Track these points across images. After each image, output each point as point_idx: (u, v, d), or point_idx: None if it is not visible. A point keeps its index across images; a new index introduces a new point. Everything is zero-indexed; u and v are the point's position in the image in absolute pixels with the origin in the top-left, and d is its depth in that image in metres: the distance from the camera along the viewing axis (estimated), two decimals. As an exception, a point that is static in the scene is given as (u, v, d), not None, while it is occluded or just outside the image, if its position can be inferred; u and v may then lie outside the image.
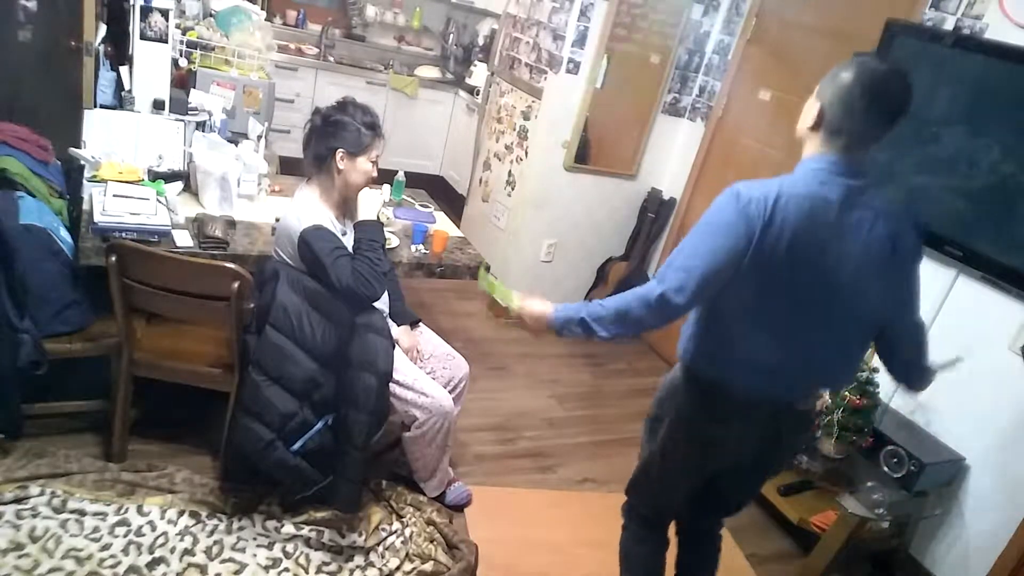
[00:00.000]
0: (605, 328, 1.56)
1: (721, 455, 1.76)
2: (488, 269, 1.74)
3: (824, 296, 1.52)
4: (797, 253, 1.47)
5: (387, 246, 2.49)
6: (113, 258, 2.01)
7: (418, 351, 2.48)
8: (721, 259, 1.47)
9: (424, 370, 2.43)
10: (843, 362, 1.67)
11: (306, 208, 2.13)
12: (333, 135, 2.12)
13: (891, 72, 1.45)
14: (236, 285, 2.05)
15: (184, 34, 3.35)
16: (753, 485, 1.96)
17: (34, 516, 2.06)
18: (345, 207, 2.25)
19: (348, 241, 2.16)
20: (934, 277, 2.59)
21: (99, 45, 3.03)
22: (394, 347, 2.27)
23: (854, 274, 1.51)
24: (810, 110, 1.53)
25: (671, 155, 4.07)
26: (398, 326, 2.46)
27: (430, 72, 5.54)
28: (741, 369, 1.61)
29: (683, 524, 2.05)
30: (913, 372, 1.71)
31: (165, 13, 2.94)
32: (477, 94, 5.01)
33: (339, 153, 2.11)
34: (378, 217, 2.22)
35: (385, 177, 3.36)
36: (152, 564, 2.01)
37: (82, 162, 2.55)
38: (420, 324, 2.57)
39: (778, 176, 1.51)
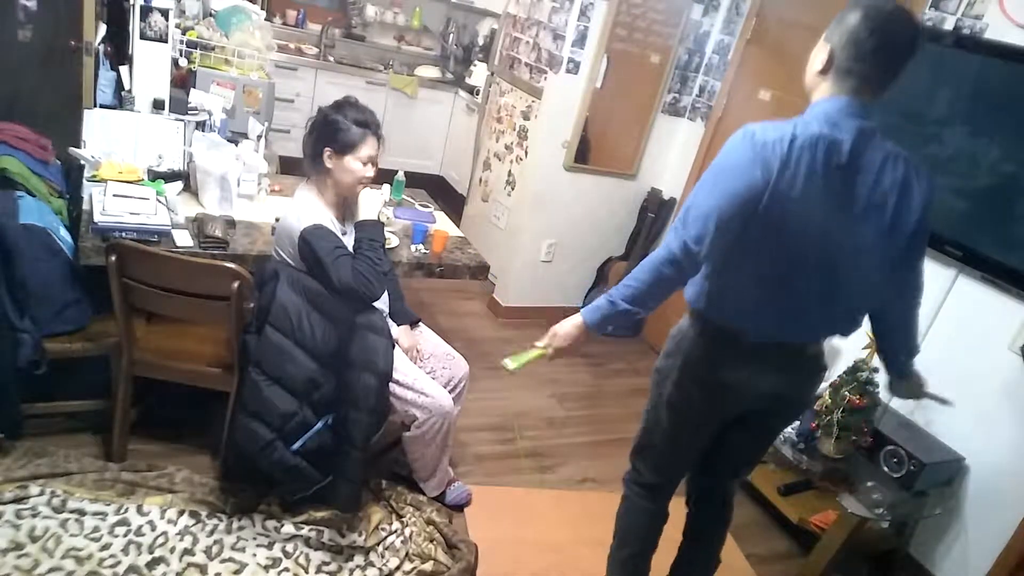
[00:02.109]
0: (644, 304, 1.56)
1: (731, 402, 1.73)
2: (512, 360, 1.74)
3: (835, 237, 1.51)
4: (810, 195, 1.46)
5: (387, 246, 2.48)
6: (113, 258, 2.01)
7: (418, 351, 2.48)
8: (738, 203, 1.46)
9: (424, 370, 2.43)
10: (852, 305, 1.65)
11: (306, 208, 2.13)
12: (323, 133, 2.12)
13: (898, 11, 1.45)
14: (236, 285, 2.05)
15: (184, 34, 3.35)
16: (763, 441, 1.92)
17: (34, 516, 2.05)
18: (344, 207, 2.24)
19: (349, 241, 2.16)
20: (934, 277, 2.58)
21: (99, 45, 3.04)
22: (394, 347, 2.27)
23: (864, 216, 1.50)
24: (819, 54, 1.53)
25: (671, 155, 4.07)
26: (398, 326, 2.46)
27: (430, 72, 5.54)
28: (752, 311, 1.60)
29: (693, 488, 2.03)
30: (901, 345, 1.71)
31: (165, 13, 2.94)
32: (477, 94, 5.00)
33: (327, 152, 2.11)
34: (379, 217, 2.21)
35: (385, 177, 3.36)
36: (152, 564, 2.00)
37: (82, 162, 2.54)
38: (420, 324, 2.57)
39: (790, 119, 1.50)
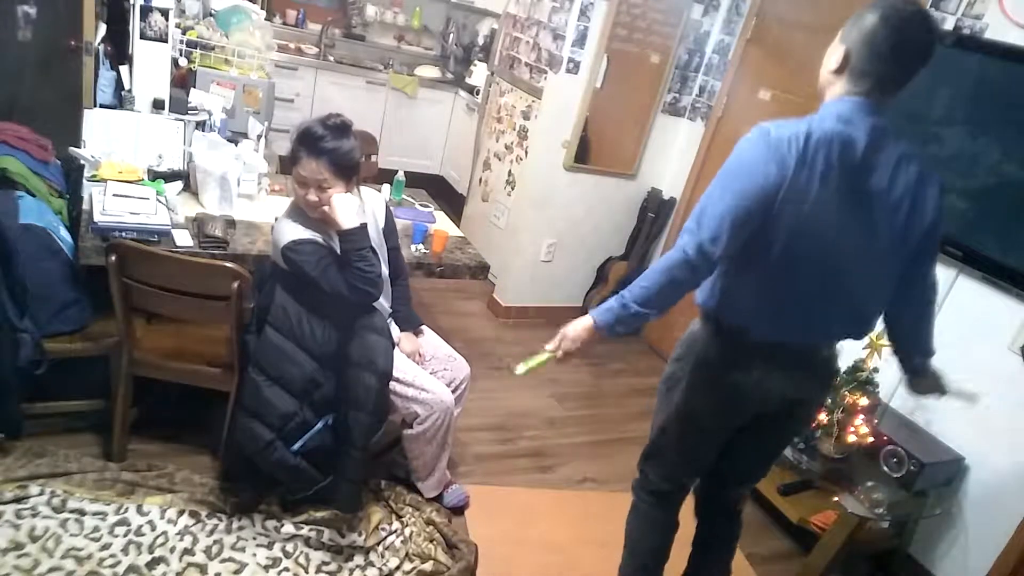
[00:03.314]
0: (657, 306, 1.54)
1: (743, 406, 1.71)
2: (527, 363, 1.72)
3: (850, 236, 1.50)
4: (825, 193, 1.45)
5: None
6: (113, 258, 2.01)
7: (420, 355, 2.47)
8: (753, 202, 1.45)
9: (425, 371, 2.42)
10: (866, 306, 1.65)
11: (287, 221, 2.08)
12: None
13: (916, 13, 1.44)
14: (236, 285, 2.04)
15: (184, 33, 3.35)
16: (773, 447, 1.91)
17: (34, 516, 2.05)
18: (325, 217, 2.12)
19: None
20: (934, 277, 2.59)
21: (99, 44, 3.04)
22: (394, 346, 2.26)
23: (879, 215, 1.50)
24: (834, 53, 1.52)
25: (671, 155, 4.07)
26: (401, 331, 2.46)
27: (430, 72, 5.54)
28: (765, 312, 1.58)
29: (701, 498, 2.01)
30: (916, 346, 1.70)
31: (165, 12, 2.94)
32: (477, 94, 5.00)
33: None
34: (359, 216, 2.06)
35: (385, 177, 3.36)
36: (152, 564, 2.00)
37: (82, 161, 2.54)
38: (423, 328, 2.57)
39: (803, 117, 1.49)
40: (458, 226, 3.62)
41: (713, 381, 1.70)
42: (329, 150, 1.99)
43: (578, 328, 1.64)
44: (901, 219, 1.52)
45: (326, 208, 2.03)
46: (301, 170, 2.01)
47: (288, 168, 2.12)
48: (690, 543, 2.10)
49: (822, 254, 1.52)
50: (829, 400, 2.50)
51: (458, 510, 2.50)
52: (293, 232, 2.05)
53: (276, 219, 2.15)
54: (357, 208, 2.07)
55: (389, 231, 2.40)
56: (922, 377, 1.82)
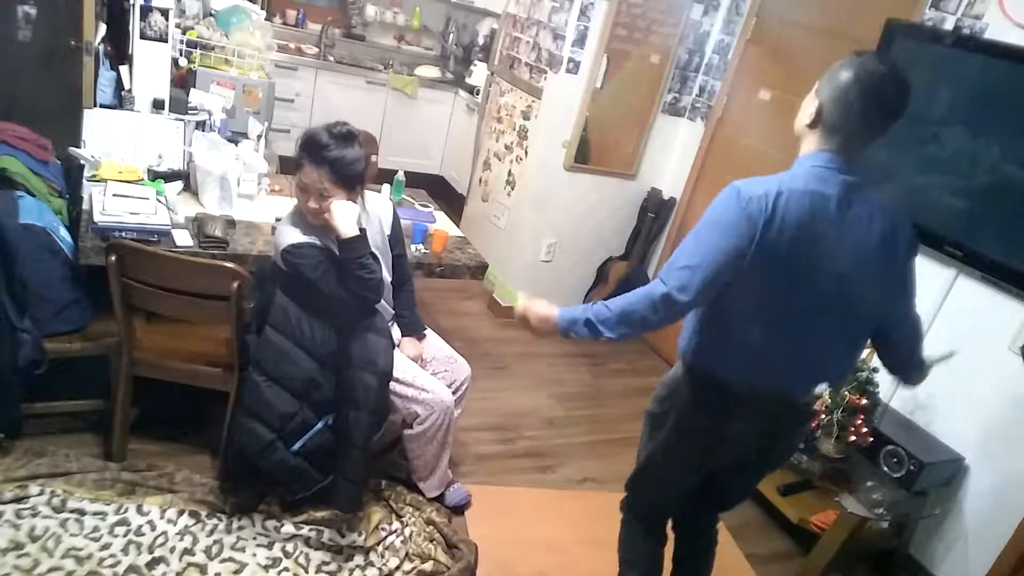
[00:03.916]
0: (610, 329, 1.57)
1: (723, 452, 1.76)
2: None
3: (824, 290, 1.53)
4: (798, 249, 1.48)
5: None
6: (113, 257, 2.01)
7: (423, 359, 2.47)
8: (724, 257, 1.48)
9: (426, 372, 2.42)
10: (843, 356, 1.68)
11: (287, 226, 2.09)
12: None
13: (889, 73, 1.46)
14: (236, 285, 2.04)
15: (184, 33, 3.35)
16: (751, 481, 1.96)
17: (34, 515, 2.05)
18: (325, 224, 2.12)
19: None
20: (934, 277, 2.59)
21: (99, 44, 3.04)
22: (394, 347, 2.26)
23: (853, 268, 1.52)
24: (808, 107, 1.54)
25: (671, 155, 4.07)
26: (404, 335, 2.46)
27: (430, 72, 5.53)
28: (742, 364, 1.61)
29: (680, 519, 2.06)
30: (909, 366, 1.73)
31: (165, 12, 2.94)
32: (477, 94, 5.00)
33: None
34: (358, 223, 2.04)
35: (385, 177, 3.36)
36: (152, 563, 2.00)
37: (82, 161, 2.54)
38: (426, 332, 2.56)
39: (776, 174, 1.52)
40: (458, 226, 3.62)
41: (692, 426, 1.74)
42: (332, 160, 1.98)
43: (541, 313, 1.68)
44: (876, 269, 1.54)
45: (327, 216, 2.03)
46: (303, 177, 2.00)
47: (290, 169, 2.12)
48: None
49: (794, 309, 1.55)
50: (829, 400, 2.51)
51: (459, 509, 2.50)
52: (293, 236, 2.05)
53: (277, 220, 2.15)
54: (357, 216, 2.06)
55: (396, 239, 2.39)
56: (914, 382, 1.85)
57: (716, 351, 1.65)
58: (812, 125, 1.53)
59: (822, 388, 1.71)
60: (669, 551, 2.08)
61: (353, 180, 2.05)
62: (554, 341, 1.71)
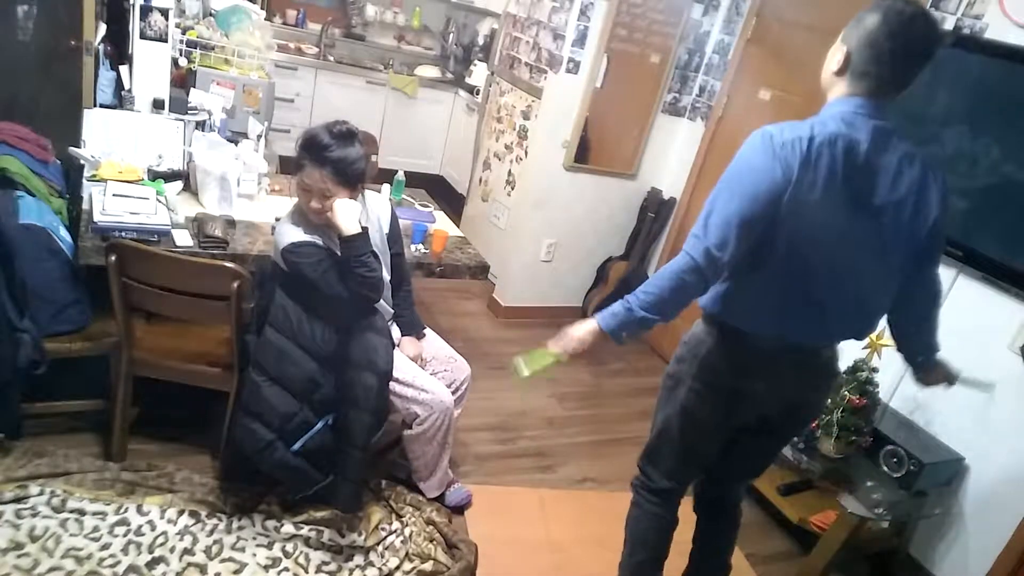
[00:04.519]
0: (663, 312, 1.52)
1: (746, 408, 1.72)
2: (524, 364, 1.67)
3: (854, 238, 1.51)
4: (830, 195, 1.45)
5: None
6: (113, 257, 2.01)
7: (423, 359, 2.47)
8: (760, 205, 1.44)
9: (426, 372, 2.42)
10: (871, 307, 1.65)
11: (287, 225, 2.09)
12: None
13: (917, 14, 1.44)
14: (236, 285, 2.04)
15: (184, 33, 3.35)
16: (775, 446, 1.92)
17: (34, 515, 2.05)
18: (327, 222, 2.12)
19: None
20: (934, 277, 2.59)
21: (99, 44, 3.04)
22: (394, 346, 2.26)
23: (883, 216, 1.50)
24: (835, 54, 1.52)
25: (671, 155, 4.07)
26: (404, 335, 2.46)
27: (430, 72, 5.53)
28: (769, 314, 1.58)
29: (702, 494, 2.02)
30: (918, 339, 1.71)
31: (165, 12, 2.94)
32: (477, 94, 5.00)
33: None
34: (360, 222, 2.05)
35: (385, 177, 3.36)
36: (152, 563, 2.00)
37: (82, 161, 2.54)
38: (425, 331, 2.56)
39: (805, 120, 1.49)
40: (458, 226, 3.62)
41: (715, 383, 1.70)
42: (334, 160, 1.98)
43: (583, 332, 1.62)
44: (905, 219, 1.52)
45: (329, 214, 2.03)
46: (305, 178, 2.00)
47: (290, 169, 2.12)
48: (689, 541, 2.11)
49: (826, 256, 1.52)
50: (829, 400, 2.50)
51: (459, 509, 2.50)
52: (293, 234, 2.05)
53: (277, 220, 2.15)
54: (359, 214, 2.07)
55: (394, 238, 2.39)
56: (928, 371, 1.82)
57: (740, 303, 1.61)
58: (840, 72, 1.51)
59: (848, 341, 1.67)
60: (681, 550, 2.05)
61: (355, 179, 2.05)
62: (554, 342, 1.68)
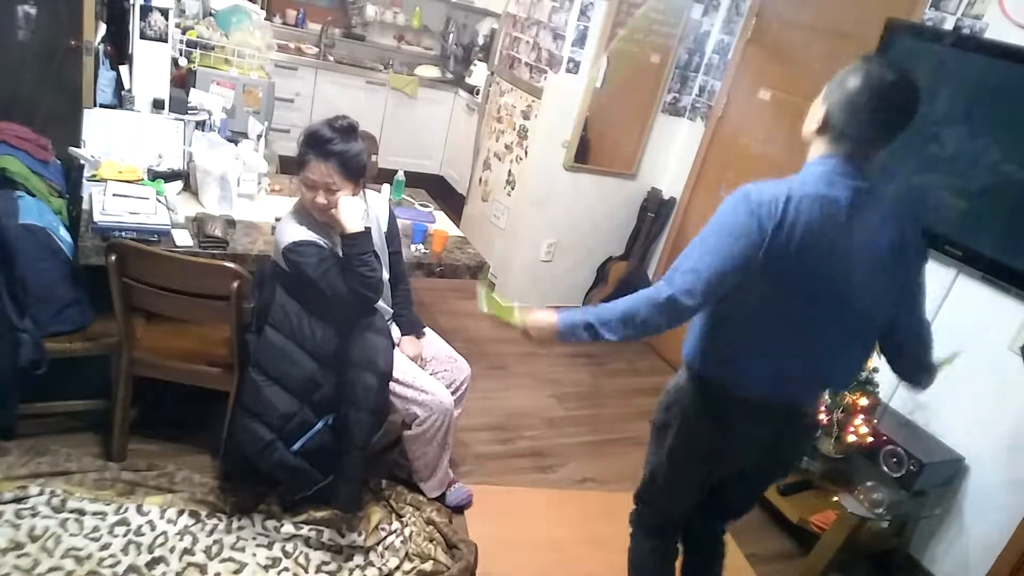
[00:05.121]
0: (612, 331, 1.55)
1: (728, 460, 1.75)
2: (492, 286, 1.71)
3: (833, 297, 1.52)
4: (807, 255, 1.46)
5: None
6: (113, 257, 2.01)
7: (423, 359, 2.47)
8: (732, 262, 1.46)
9: (426, 372, 2.42)
10: (849, 362, 1.67)
11: (290, 222, 2.09)
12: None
13: (899, 80, 1.44)
14: (236, 284, 2.04)
15: (184, 33, 3.35)
16: (757, 489, 1.96)
17: (34, 515, 2.05)
18: (331, 220, 2.12)
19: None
20: (934, 277, 2.56)
21: (99, 44, 3.03)
22: (394, 346, 2.26)
23: (862, 275, 1.51)
24: (816, 113, 1.53)
25: (671, 155, 4.07)
26: (403, 335, 2.46)
27: (430, 71, 5.53)
28: (749, 371, 1.60)
29: (688, 529, 2.04)
30: (919, 371, 1.71)
31: (165, 12, 2.93)
32: (477, 93, 5.00)
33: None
34: (363, 220, 2.06)
35: (385, 177, 3.36)
36: (152, 563, 2.00)
37: (82, 161, 2.54)
38: (425, 331, 2.56)
39: (784, 178, 1.51)
40: (458, 226, 3.62)
41: (698, 433, 1.73)
42: (338, 152, 1.99)
43: (542, 322, 1.65)
44: (886, 275, 1.53)
45: (333, 211, 2.03)
46: (310, 173, 2.00)
47: (290, 168, 2.12)
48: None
49: (805, 313, 1.54)
50: (829, 400, 2.51)
51: (460, 509, 2.50)
52: (295, 233, 2.05)
53: (277, 220, 2.15)
54: (363, 212, 2.08)
55: (392, 235, 2.39)
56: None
57: (722, 358, 1.64)
58: (820, 131, 1.52)
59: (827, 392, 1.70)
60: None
61: (359, 172, 2.06)
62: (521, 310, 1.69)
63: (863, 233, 1.49)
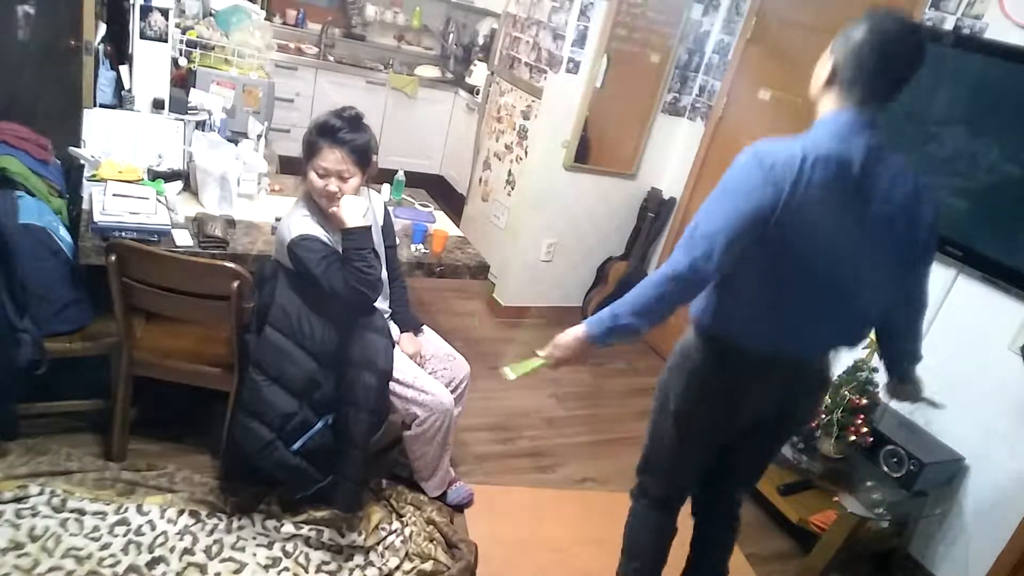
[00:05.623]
0: (648, 320, 1.55)
1: (737, 417, 1.73)
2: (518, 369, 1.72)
3: (845, 255, 1.52)
4: (821, 214, 1.46)
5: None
6: (113, 257, 2.01)
7: (421, 356, 2.47)
8: (746, 223, 1.46)
9: (425, 371, 2.42)
10: (860, 320, 1.66)
11: (295, 217, 2.10)
12: (303, 141, 2.09)
13: (903, 26, 1.45)
14: (236, 284, 2.04)
15: (184, 33, 3.35)
16: (767, 454, 1.93)
17: (34, 515, 2.05)
18: (333, 215, 2.15)
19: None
20: (934, 277, 2.57)
21: (99, 44, 3.03)
22: (394, 346, 2.26)
23: (875, 234, 1.51)
24: (823, 66, 1.54)
25: (671, 155, 4.07)
26: (402, 332, 2.46)
27: (430, 71, 5.53)
28: (759, 328, 1.60)
29: (698, 499, 2.03)
30: (902, 348, 1.73)
31: (165, 12, 2.93)
32: (477, 93, 5.00)
33: (305, 161, 2.08)
34: (364, 218, 2.09)
35: (385, 177, 3.36)
36: (152, 563, 2.00)
37: (82, 161, 2.54)
38: (423, 328, 2.57)
39: (795, 136, 1.50)
40: (458, 226, 3.62)
41: (706, 392, 1.72)
42: (350, 139, 2.03)
43: (569, 338, 1.65)
44: (898, 234, 1.53)
45: (335, 208, 2.04)
46: (322, 161, 2.03)
47: (290, 168, 2.13)
48: (687, 543, 2.11)
49: (816, 271, 1.53)
50: (829, 400, 2.51)
51: (461, 508, 2.50)
52: (301, 226, 2.06)
53: (277, 220, 2.15)
54: (364, 209, 2.09)
55: (387, 230, 2.41)
56: (905, 383, 1.83)
57: (731, 316, 1.62)
58: (828, 83, 1.52)
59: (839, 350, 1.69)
60: (679, 552, 2.06)
61: (368, 160, 2.10)
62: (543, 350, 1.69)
63: (876, 192, 1.49)
